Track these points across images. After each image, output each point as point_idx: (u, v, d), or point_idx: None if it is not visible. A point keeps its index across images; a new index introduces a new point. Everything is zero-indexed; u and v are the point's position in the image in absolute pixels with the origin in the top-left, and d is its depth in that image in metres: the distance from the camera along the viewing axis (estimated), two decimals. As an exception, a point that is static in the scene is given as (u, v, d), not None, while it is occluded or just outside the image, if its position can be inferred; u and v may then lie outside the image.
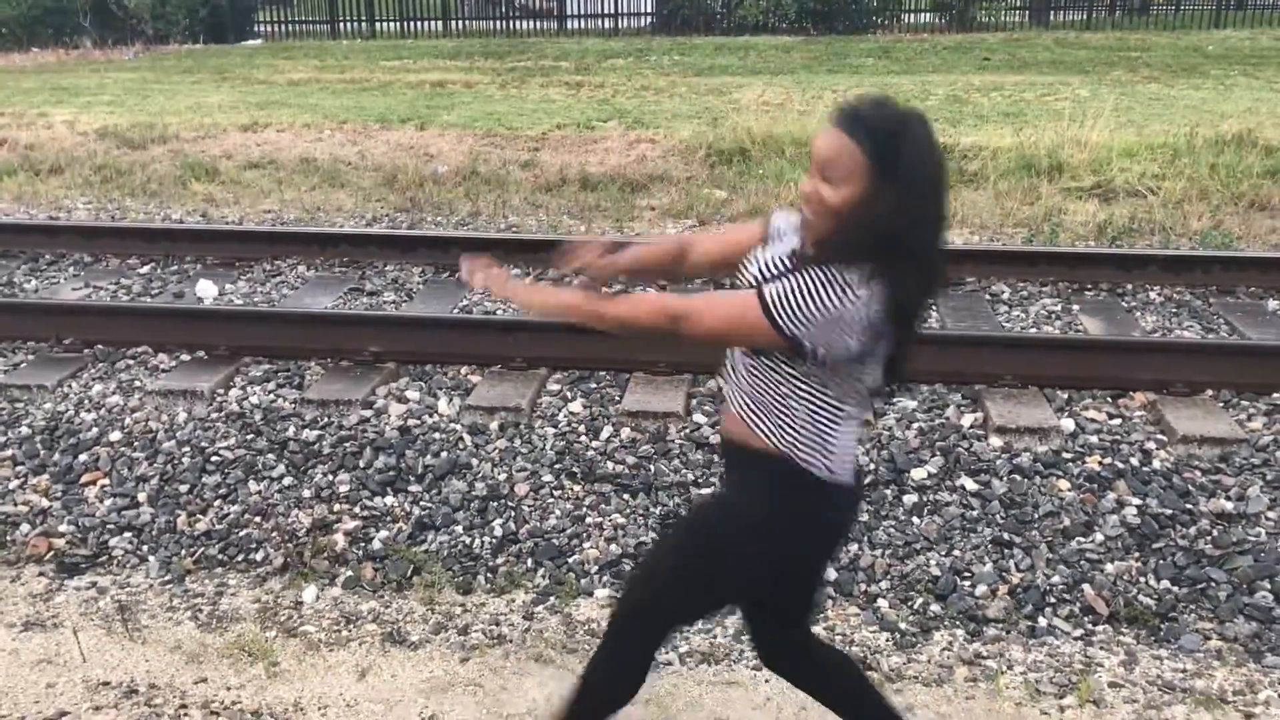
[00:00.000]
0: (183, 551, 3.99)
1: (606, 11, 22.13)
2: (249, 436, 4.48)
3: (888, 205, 2.01)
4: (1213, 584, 3.63)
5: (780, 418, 2.19)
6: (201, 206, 8.44)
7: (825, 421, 2.18)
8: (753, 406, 2.23)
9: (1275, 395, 4.59)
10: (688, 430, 4.43)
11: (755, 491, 2.27)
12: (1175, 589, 3.64)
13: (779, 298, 2.06)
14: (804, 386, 2.16)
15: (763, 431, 2.21)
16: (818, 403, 2.17)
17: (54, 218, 8.05)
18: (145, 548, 4.02)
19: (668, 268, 2.56)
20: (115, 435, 4.52)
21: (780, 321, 2.06)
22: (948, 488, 4.07)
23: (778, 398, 2.19)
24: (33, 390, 4.86)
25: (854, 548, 3.83)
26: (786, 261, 2.21)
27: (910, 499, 4.03)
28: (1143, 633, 3.50)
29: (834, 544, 2.48)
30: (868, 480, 4.10)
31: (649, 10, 22.18)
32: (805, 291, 2.04)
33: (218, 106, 12.28)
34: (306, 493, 4.19)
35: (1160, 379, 4.67)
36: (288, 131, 10.66)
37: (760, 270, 2.26)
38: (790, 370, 2.16)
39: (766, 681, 3.23)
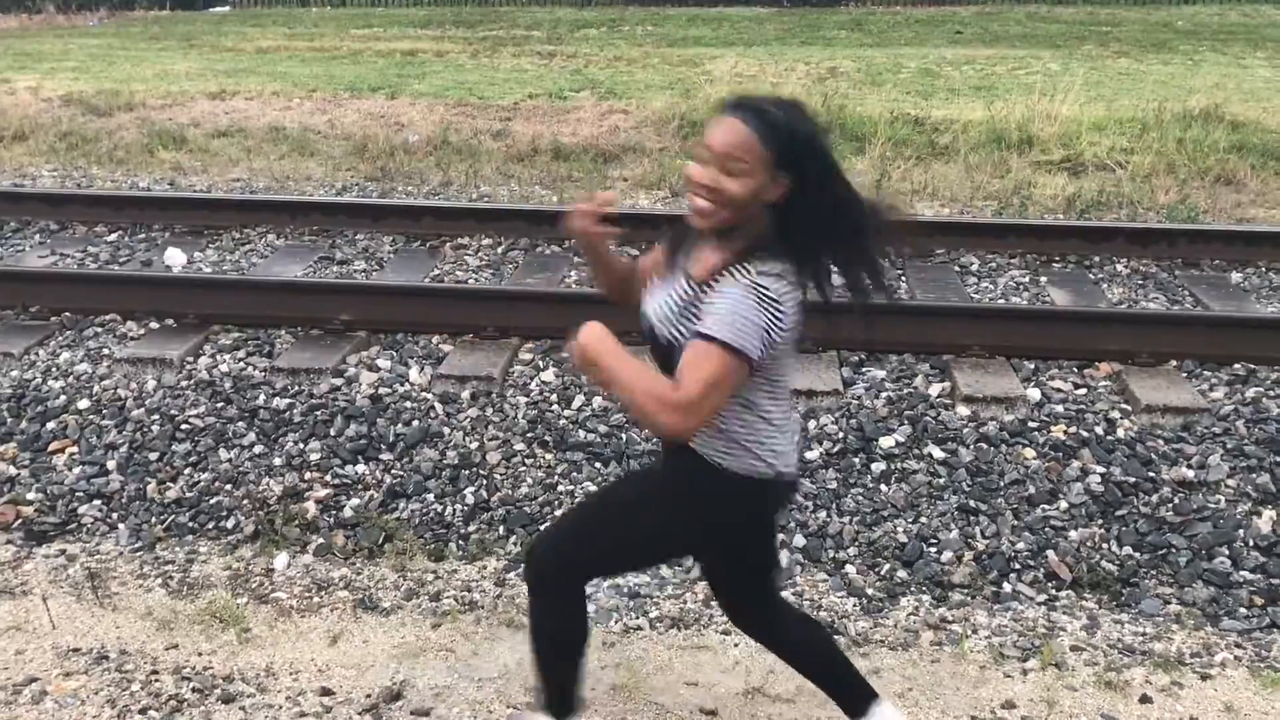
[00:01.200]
0: (153, 519, 3.98)
1: (579, -19, 21.98)
2: (219, 405, 4.46)
3: (789, 195, 2.15)
4: (1173, 550, 3.70)
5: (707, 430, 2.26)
6: (169, 175, 8.35)
7: (749, 427, 2.28)
8: None
9: (1237, 365, 4.66)
10: (659, 399, 4.45)
11: (683, 479, 2.37)
12: (1137, 555, 3.70)
13: (733, 335, 2.10)
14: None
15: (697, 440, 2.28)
16: (741, 412, 2.26)
17: (18, 184, 7.94)
18: (115, 515, 4.01)
19: (630, 283, 2.58)
20: (84, 403, 4.49)
21: (749, 354, 2.11)
22: (915, 456, 4.12)
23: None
24: (-1, 358, 4.82)
25: (822, 515, 3.87)
26: (685, 289, 2.27)
27: (878, 467, 4.07)
28: (1104, 598, 3.56)
29: (763, 532, 2.54)
30: (836, 449, 4.14)
31: (622, -20, 22.03)
32: (743, 315, 2.11)
33: (185, 74, 12.13)
34: (277, 461, 4.18)
35: (1125, 349, 4.73)
36: (256, 100, 10.55)
37: (659, 307, 2.31)
38: None
39: (735, 645, 3.27)
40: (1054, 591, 3.60)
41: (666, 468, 2.47)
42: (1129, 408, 4.37)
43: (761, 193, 2.15)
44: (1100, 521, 3.83)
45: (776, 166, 2.13)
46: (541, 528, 3.87)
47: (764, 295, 2.12)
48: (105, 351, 4.87)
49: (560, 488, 4.03)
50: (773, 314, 2.13)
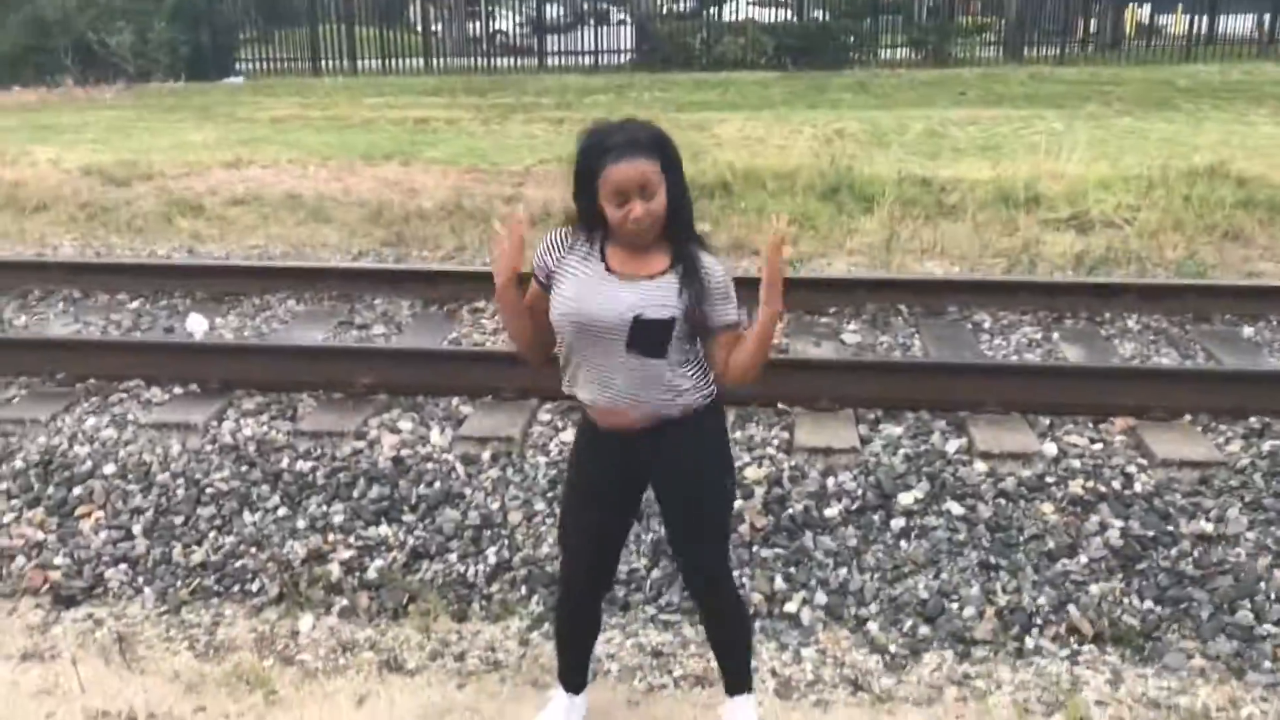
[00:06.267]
0: (178, 582, 4.01)
1: (586, 49, 22.37)
2: (243, 468, 4.51)
3: (678, 188, 2.66)
4: (1195, 604, 3.71)
5: (681, 385, 2.75)
6: (187, 243, 8.48)
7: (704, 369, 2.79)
8: (662, 396, 2.74)
9: (1252, 419, 4.69)
10: (678, 458, 4.48)
11: (714, 434, 2.88)
12: (1158, 609, 3.71)
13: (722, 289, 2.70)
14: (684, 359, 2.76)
15: (682, 401, 2.76)
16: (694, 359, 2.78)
17: (41, 254, 8.07)
18: (141, 579, 4.04)
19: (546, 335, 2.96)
20: (109, 468, 4.54)
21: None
22: (934, 512, 4.14)
23: (674, 374, 2.74)
24: (26, 424, 4.88)
25: (843, 571, 3.89)
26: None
27: (898, 523, 4.10)
28: (1127, 652, 3.56)
29: None
30: (855, 506, 4.17)
31: (629, 47, 22.42)
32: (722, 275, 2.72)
33: (201, 144, 12.34)
34: (301, 523, 4.22)
35: (1140, 404, 4.76)
36: (272, 168, 10.72)
37: (637, 298, 2.73)
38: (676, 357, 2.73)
39: (760, 704, 3.28)
40: (1076, 646, 3.60)
41: (703, 432, 2.85)
42: (1145, 462, 4.39)
43: (668, 195, 2.62)
44: (1120, 576, 3.84)
45: (669, 174, 2.61)
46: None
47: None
48: (130, 417, 4.93)
49: (582, 547, 4.05)
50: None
